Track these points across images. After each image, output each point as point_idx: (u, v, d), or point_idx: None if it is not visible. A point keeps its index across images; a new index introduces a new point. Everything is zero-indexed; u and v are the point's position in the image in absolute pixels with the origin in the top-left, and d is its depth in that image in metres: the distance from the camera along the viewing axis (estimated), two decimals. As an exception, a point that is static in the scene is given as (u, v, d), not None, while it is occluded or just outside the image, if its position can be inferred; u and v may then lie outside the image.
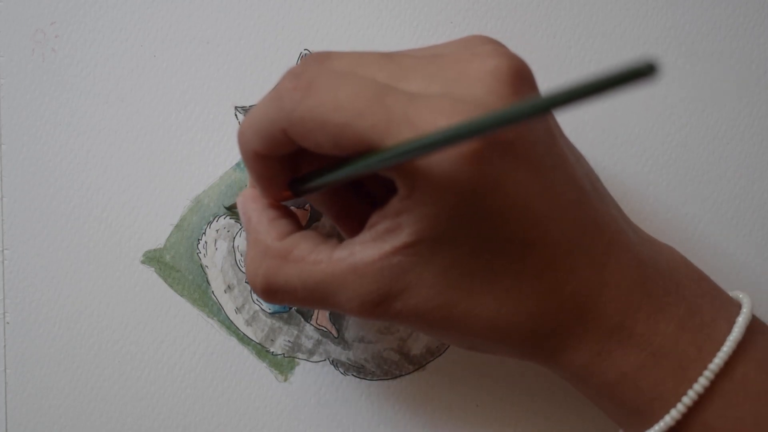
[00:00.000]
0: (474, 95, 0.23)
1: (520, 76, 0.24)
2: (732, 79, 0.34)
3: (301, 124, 0.24)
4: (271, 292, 0.27)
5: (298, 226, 0.28)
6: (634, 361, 0.26)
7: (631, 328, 0.26)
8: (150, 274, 0.34)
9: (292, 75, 0.25)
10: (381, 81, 0.24)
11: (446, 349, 0.34)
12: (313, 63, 0.25)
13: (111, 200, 0.34)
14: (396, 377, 0.34)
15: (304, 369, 0.34)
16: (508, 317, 0.25)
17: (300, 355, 0.34)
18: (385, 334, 0.34)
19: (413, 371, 0.34)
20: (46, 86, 0.34)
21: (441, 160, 0.23)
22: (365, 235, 0.25)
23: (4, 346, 0.34)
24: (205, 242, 0.34)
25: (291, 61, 0.34)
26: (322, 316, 0.34)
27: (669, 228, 0.31)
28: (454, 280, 0.25)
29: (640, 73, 0.16)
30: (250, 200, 0.29)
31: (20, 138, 0.34)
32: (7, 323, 0.34)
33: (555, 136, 0.25)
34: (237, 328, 0.34)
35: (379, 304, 0.25)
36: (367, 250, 0.25)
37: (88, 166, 0.34)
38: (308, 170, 0.27)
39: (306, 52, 0.34)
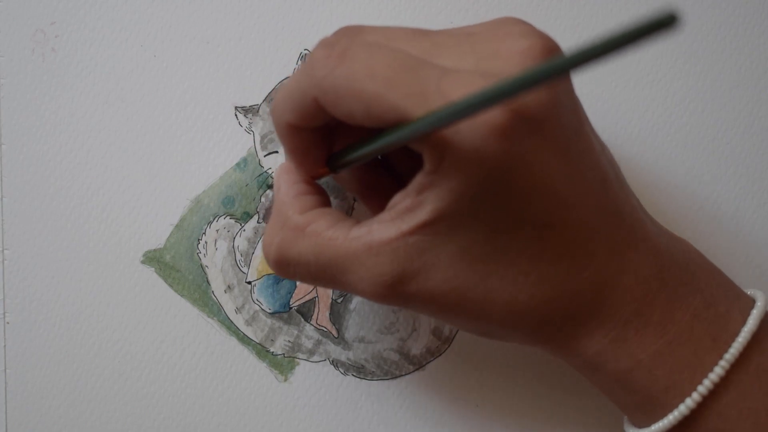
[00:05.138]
0: (507, 72, 0.23)
1: (552, 55, 0.24)
2: (732, 79, 0.34)
3: (332, 91, 0.24)
4: (283, 263, 0.26)
5: (325, 204, 0.28)
6: (650, 349, 0.26)
7: (647, 316, 0.26)
8: (150, 274, 0.34)
9: (324, 44, 0.24)
10: (414, 55, 0.24)
11: (446, 349, 0.34)
12: (346, 34, 0.25)
13: (111, 200, 0.34)
14: (396, 377, 0.34)
15: (304, 369, 0.34)
16: (525, 302, 0.25)
17: (300, 355, 0.34)
18: (385, 334, 0.34)
19: (413, 371, 0.34)
20: (46, 86, 0.34)
21: (470, 134, 0.22)
22: (384, 215, 0.25)
23: (4, 346, 0.34)
24: (205, 242, 0.34)
25: (291, 61, 0.34)
26: (322, 316, 0.34)
27: (668, 227, 0.31)
28: (471, 263, 0.24)
29: (662, 24, 0.15)
30: (284, 172, 0.29)
31: (20, 138, 0.34)
32: (7, 323, 0.34)
33: (583, 121, 0.25)
34: (237, 328, 0.34)
35: (392, 285, 0.25)
36: (384, 230, 0.24)
37: (88, 166, 0.34)
38: (342, 147, 0.27)
39: (306, 52, 0.34)
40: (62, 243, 0.34)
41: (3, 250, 0.34)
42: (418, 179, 0.24)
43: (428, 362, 0.34)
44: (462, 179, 0.23)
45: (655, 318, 0.26)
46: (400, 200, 0.25)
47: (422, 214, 0.24)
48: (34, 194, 0.34)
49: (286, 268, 0.27)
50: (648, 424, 0.27)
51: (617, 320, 0.26)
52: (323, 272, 0.26)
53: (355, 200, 0.34)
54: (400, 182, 0.29)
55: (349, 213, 0.34)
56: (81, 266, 0.34)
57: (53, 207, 0.34)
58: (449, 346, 0.34)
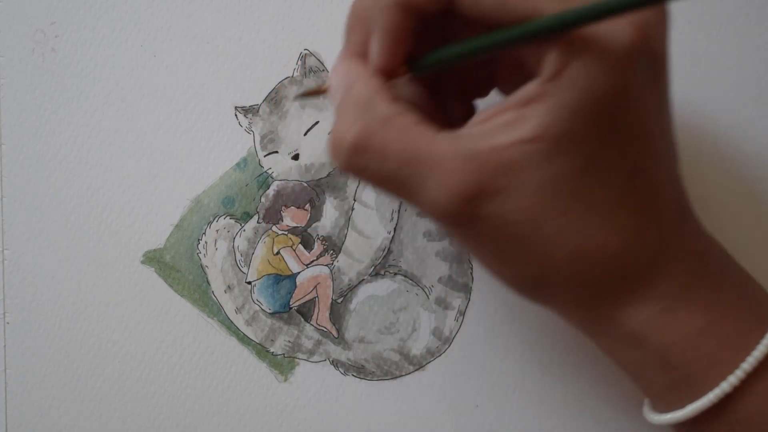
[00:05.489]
0: None
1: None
2: (732, 79, 0.34)
3: None
4: (359, 150, 0.24)
5: None
6: (697, 324, 0.25)
7: (697, 290, 0.25)
8: (150, 274, 0.34)
9: None
10: None
11: (446, 349, 0.34)
12: None
13: (111, 200, 0.34)
14: (396, 377, 0.34)
15: (304, 369, 0.34)
16: (592, 252, 0.24)
17: (300, 356, 0.34)
18: (385, 334, 0.34)
19: (413, 371, 0.34)
20: (46, 86, 0.34)
21: (604, 43, 0.21)
22: (476, 127, 0.24)
23: (4, 346, 0.34)
24: (205, 242, 0.34)
25: (291, 61, 0.34)
26: (322, 317, 0.34)
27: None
28: (554, 197, 0.23)
29: None
30: (360, 64, 0.26)
31: (20, 138, 0.34)
32: (7, 323, 0.34)
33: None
34: (237, 328, 0.34)
35: (469, 200, 0.23)
36: (476, 140, 0.23)
37: (88, 166, 0.34)
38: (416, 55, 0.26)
39: (306, 52, 0.34)
40: (62, 243, 0.34)
41: (3, 250, 0.34)
42: (527, 89, 0.23)
43: (428, 362, 0.34)
44: (581, 93, 0.22)
45: (703, 293, 0.25)
46: (495, 113, 0.23)
47: (523, 130, 0.22)
48: (34, 194, 0.34)
49: (360, 158, 0.24)
50: (681, 405, 0.26)
51: (669, 290, 0.25)
52: (399, 170, 0.24)
53: (355, 201, 0.34)
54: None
55: (348, 213, 0.34)
56: (81, 266, 0.34)
57: (53, 207, 0.34)
58: (449, 346, 0.34)
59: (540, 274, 0.25)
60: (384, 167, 0.24)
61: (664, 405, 0.27)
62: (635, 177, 0.24)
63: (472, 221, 0.23)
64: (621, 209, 0.24)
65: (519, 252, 0.24)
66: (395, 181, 0.24)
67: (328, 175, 0.34)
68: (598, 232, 0.24)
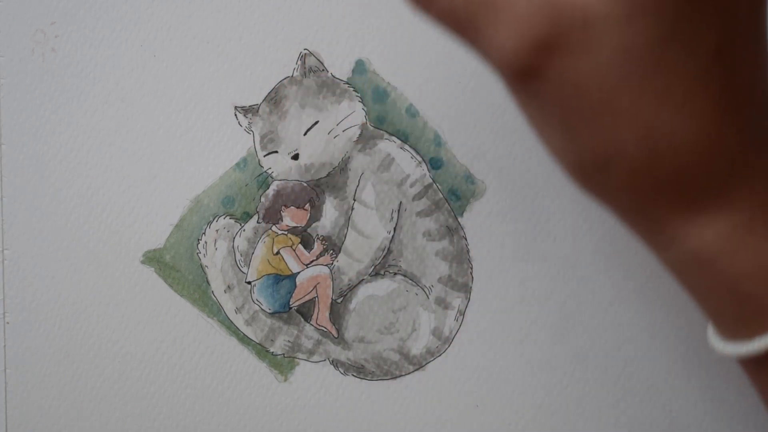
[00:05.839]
0: None
1: None
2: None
3: None
4: None
5: None
6: None
7: None
8: (150, 274, 0.34)
9: None
10: None
11: (446, 349, 0.34)
12: None
13: (111, 200, 0.34)
14: (396, 377, 0.34)
15: (304, 369, 0.34)
16: (665, 138, 0.22)
17: (300, 355, 0.34)
18: (385, 334, 0.34)
19: (413, 371, 0.34)
20: (46, 86, 0.34)
21: None
22: None
23: (4, 346, 0.34)
24: (205, 242, 0.34)
25: (291, 61, 0.34)
26: (322, 316, 0.34)
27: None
28: (631, 64, 0.21)
29: None
30: None
31: (20, 138, 0.34)
32: (7, 323, 0.34)
33: None
34: (237, 328, 0.34)
35: (539, 50, 0.21)
36: None
37: (88, 166, 0.34)
38: None
39: (306, 52, 0.34)
40: (62, 243, 0.34)
41: (3, 250, 0.34)
42: None
43: (428, 362, 0.34)
44: None
45: None
46: None
47: None
48: (34, 194, 0.34)
49: None
50: (750, 337, 0.24)
51: (747, 205, 0.23)
52: (467, 6, 0.22)
53: (354, 201, 0.34)
54: None
55: (348, 213, 0.34)
56: (81, 266, 0.34)
57: (53, 207, 0.34)
58: (449, 346, 0.34)
59: (605, 155, 0.23)
60: (454, 1, 0.22)
61: (729, 331, 0.25)
62: (718, 57, 0.22)
63: (538, 77, 0.22)
64: (701, 93, 0.22)
65: (585, 123, 0.22)
66: (462, 18, 0.22)
67: (327, 175, 0.34)
68: (674, 116, 0.22)
